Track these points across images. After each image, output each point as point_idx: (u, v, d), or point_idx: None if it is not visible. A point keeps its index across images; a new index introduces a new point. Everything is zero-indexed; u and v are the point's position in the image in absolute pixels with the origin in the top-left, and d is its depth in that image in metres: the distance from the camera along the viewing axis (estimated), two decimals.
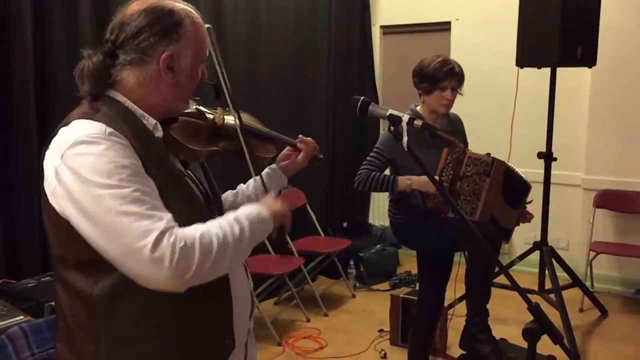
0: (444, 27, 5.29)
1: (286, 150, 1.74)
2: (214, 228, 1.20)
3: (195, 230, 1.16)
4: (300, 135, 1.73)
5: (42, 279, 2.66)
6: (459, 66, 2.82)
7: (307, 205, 4.54)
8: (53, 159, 1.18)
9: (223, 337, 1.36)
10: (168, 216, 1.16)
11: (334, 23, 5.12)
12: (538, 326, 1.48)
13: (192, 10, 1.34)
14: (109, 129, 1.20)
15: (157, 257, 1.10)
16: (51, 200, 1.19)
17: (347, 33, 5.31)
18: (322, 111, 5.06)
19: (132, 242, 1.10)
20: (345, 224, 5.26)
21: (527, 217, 3.06)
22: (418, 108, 2.91)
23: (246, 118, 1.59)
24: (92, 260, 1.18)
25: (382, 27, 5.67)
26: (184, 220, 1.18)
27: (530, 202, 3.10)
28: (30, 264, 2.89)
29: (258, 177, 1.60)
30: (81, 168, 1.14)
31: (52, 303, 2.38)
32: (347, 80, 5.33)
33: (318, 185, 4.90)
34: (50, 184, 1.19)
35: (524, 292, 1.56)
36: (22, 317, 2.25)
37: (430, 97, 2.81)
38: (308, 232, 4.59)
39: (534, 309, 1.49)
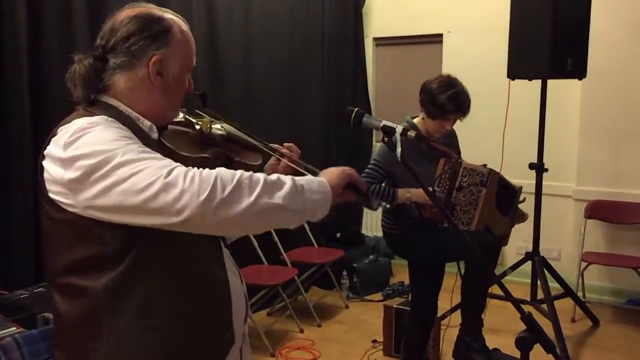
0: (436, 39, 5.34)
1: (272, 160, 1.76)
2: None
3: None
4: (285, 143, 1.76)
5: (35, 290, 2.63)
6: (469, 99, 2.80)
7: None
8: (55, 154, 1.20)
9: (223, 331, 1.37)
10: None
11: (327, 35, 5.16)
12: (531, 335, 1.50)
13: (180, 21, 1.38)
14: (110, 119, 1.24)
15: (170, 181, 1.10)
16: (56, 197, 1.20)
17: (340, 45, 5.35)
18: (315, 122, 5.07)
19: (146, 180, 1.11)
20: (338, 235, 5.26)
21: (523, 217, 3.08)
22: (415, 120, 2.92)
23: (233, 128, 1.62)
24: (96, 255, 1.20)
25: (375, 39, 5.71)
26: None
27: (523, 200, 3.12)
28: (23, 275, 2.86)
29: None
30: (84, 145, 1.16)
31: (46, 314, 2.37)
32: (341, 91, 5.36)
33: None
34: (55, 178, 1.19)
35: (517, 302, 1.58)
36: (14, 328, 2.22)
37: (431, 121, 2.82)
38: (301, 242, 4.59)
39: (527, 318, 1.50)
